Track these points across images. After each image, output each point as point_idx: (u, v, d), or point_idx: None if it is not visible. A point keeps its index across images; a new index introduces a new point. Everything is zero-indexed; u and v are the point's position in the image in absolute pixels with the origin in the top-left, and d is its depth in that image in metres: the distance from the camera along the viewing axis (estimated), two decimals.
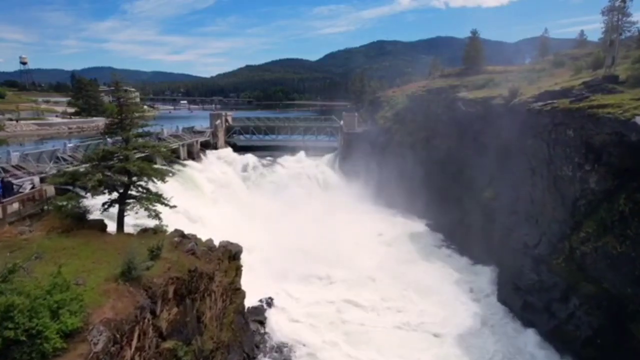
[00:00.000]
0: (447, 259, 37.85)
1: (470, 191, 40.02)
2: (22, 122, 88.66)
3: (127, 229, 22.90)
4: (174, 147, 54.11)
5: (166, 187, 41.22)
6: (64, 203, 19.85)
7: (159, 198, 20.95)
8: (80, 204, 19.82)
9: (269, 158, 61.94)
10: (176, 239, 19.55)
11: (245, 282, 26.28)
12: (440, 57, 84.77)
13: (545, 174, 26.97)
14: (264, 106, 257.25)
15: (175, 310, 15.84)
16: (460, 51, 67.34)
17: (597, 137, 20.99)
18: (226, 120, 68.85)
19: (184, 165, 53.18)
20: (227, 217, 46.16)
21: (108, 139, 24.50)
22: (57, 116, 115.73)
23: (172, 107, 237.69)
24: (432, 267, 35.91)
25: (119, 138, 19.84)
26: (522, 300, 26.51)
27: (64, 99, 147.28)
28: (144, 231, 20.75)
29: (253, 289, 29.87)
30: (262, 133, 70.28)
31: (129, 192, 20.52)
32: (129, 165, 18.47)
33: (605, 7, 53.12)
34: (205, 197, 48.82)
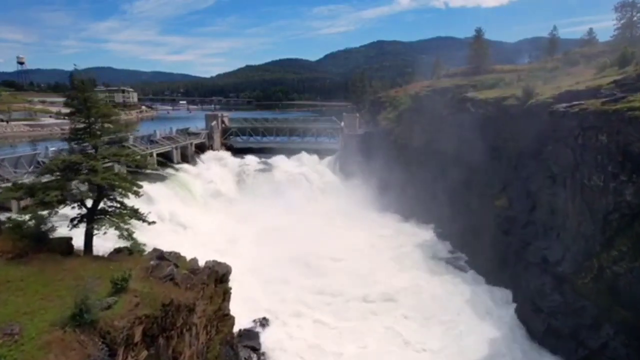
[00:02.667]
0: (456, 272, 35.13)
1: (481, 198, 37.33)
2: (12, 123, 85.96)
3: (108, 244, 20.26)
4: (167, 150, 51.72)
5: (156, 193, 39.12)
6: (26, 218, 17.21)
7: (134, 213, 18.26)
8: (46, 221, 17.10)
9: (266, 161, 59.37)
10: (152, 262, 16.84)
11: (236, 299, 23.68)
12: (441, 57, 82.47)
13: (569, 183, 24.30)
14: (264, 106, 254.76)
15: (144, 354, 13.17)
16: (461, 51, 65.27)
17: (638, 143, 18.30)
18: (222, 122, 66.43)
19: (177, 169, 50.71)
20: (220, 224, 43.69)
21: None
22: (51, 117, 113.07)
23: (170, 108, 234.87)
24: (441, 281, 33.19)
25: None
26: (544, 324, 23.77)
27: (61, 100, 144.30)
28: (117, 252, 18.09)
29: (245, 307, 27.33)
30: (259, 135, 67.87)
31: (99, 206, 17.81)
32: (95, 179, 15.76)
33: (618, 3, 50.88)
34: (198, 203, 46.40)
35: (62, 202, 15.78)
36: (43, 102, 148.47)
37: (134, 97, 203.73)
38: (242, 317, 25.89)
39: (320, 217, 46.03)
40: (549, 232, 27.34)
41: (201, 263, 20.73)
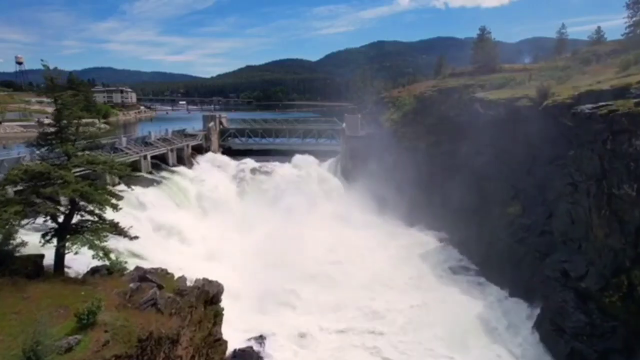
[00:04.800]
0: (465, 283, 33.02)
1: (491, 204, 35.28)
2: (6, 123, 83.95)
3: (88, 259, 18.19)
4: (162, 152, 49.76)
5: (149, 198, 37.10)
6: None
7: (114, 228, 16.23)
8: (13, 237, 15.07)
9: (265, 163, 57.33)
10: (132, 284, 14.83)
11: (231, 315, 21.73)
12: (442, 57, 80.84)
13: (594, 192, 22.21)
14: (264, 107, 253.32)
15: None
16: (462, 51, 63.44)
17: None
18: (220, 123, 64.39)
19: (172, 172, 48.73)
20: (217, 231, 41.62)
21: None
22: (47, 117, 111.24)
23: (170, 108, 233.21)
24: (449, 293, 31.15)
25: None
26: (567, 346, 21.71)
27: None
28: (94, 272, 16.09)
29: (241, 324, 25.39)
30: (258, 136, 65.73)
31: (74, 220, 15.77)
32: (65, 191, 13.71)
33: (630, 0, 48.98)
34: (194, 208, 44.37)
35: (25, 218, 13.76)
36: (40, 102, 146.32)
37: (132, 97, 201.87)
38: (237, 334, 23.97)
39: (321, 222, 44.05)
40: (569, 243, 25.29)
41: (194, 275, 18.81)
